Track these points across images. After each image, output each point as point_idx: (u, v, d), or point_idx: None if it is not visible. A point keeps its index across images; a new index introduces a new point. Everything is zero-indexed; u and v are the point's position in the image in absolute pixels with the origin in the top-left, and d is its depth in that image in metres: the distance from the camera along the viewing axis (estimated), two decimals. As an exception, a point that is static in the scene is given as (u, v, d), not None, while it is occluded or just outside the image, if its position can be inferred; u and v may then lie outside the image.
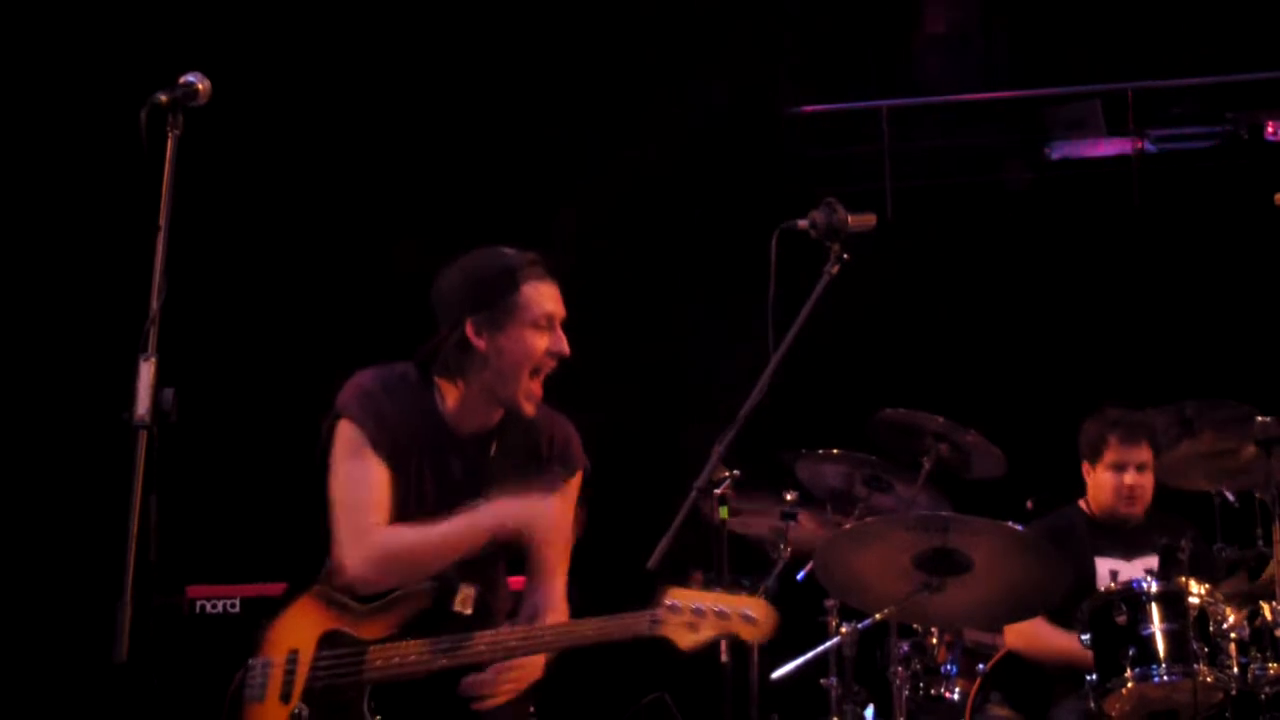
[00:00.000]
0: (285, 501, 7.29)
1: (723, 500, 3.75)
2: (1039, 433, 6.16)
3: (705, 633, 3.55)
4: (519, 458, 3.86)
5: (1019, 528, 5.04)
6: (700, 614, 3.55)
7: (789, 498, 5.45)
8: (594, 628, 3.64)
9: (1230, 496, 5.64)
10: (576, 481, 3.93)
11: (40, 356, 7.16)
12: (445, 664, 3.66)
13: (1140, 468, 5.59)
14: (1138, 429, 5.61)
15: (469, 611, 3.74)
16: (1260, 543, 5.68)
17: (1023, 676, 5.60)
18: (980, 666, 5.51)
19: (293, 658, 3.75)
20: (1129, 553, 5.54)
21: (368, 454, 3.74)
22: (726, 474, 3.75)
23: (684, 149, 8.18)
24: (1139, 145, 8.63)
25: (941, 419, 5.64)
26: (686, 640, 3.55)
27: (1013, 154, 8.67)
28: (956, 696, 5.35)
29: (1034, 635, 5.39)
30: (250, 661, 3.76)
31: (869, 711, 5.39)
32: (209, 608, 5.13)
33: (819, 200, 3.90)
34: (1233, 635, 4.80)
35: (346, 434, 3.77)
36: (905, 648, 5.40)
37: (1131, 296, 7.90)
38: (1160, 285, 7.86)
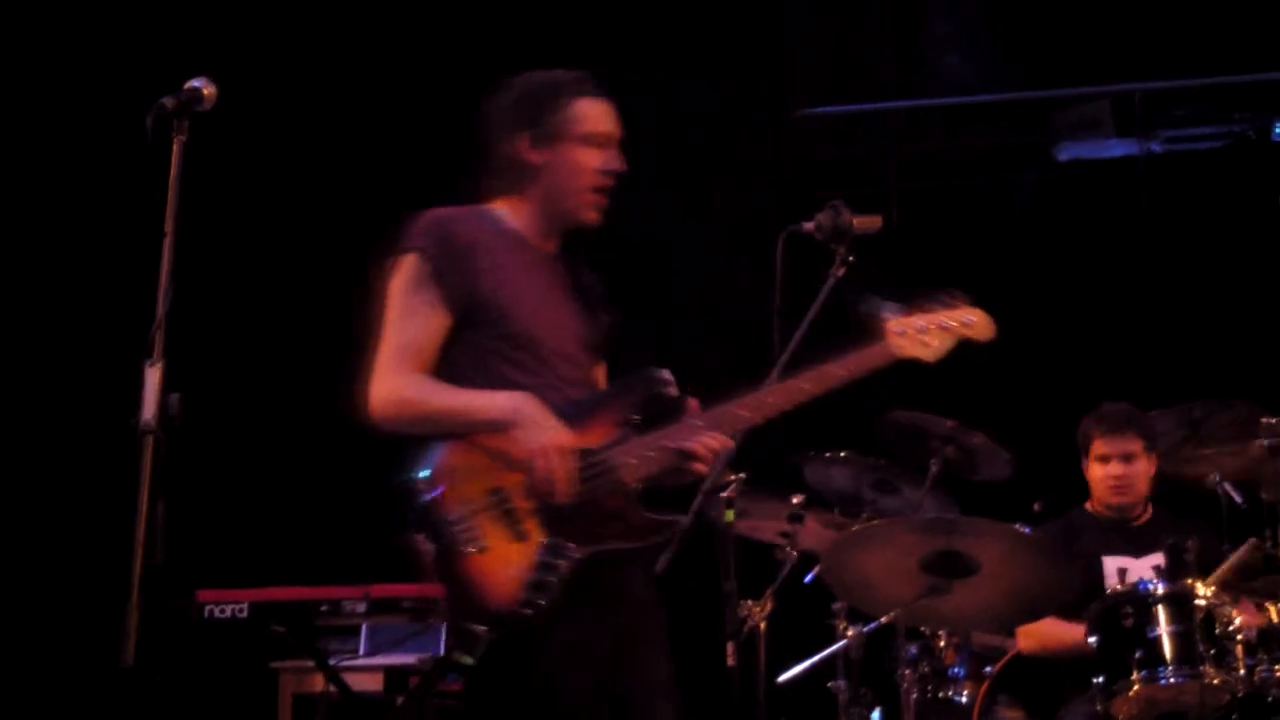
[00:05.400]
0: (295, 506, 7.33)
1: (729, 503, 3.75)
2: (1047, 435, 6.15)
3: (942, 344, 3.80)
4: (586, 291, 3.83)
5: (1025, 529, 5.05)
6: (925, 331, 3.78)
7: (796, 500, 5.44)
8: (843, 367, 3.70)
9: (1237, 497, 5.64)
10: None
11: (48, 362, 7.17)
12: (702, 436, 3.54)
13: (1127, 458, 5.63)
14: (1121, 420, 5.65)
15: (676, 391, 3.64)
16: (1270, 544, 5.67)
17: (1031, 679, 5.59)
18: (988, 669, 5.51)
19: (500, 497, 3.46)
20: (1138, 551, 5.56)
21: (428, 289, 3.60)
22: (733, 477, 3.75)
23: (687, 151, 8.17)
24: (1147, 146, 8.61)
25: (949, 421, 5.64)
26: (928, 354, 3.78)
27: (1020, 156, 8.64)
28: (965, 699, 5.36)
29: (1043, 631, 5.40)
30: (436, 520, 3.41)
31: (876, 714, 5.40)
32: (218, 613, 5.13)
33: (824, 203, 3.90)
34: (1239, 637, 4.80)
35: (407, 268, 3.64)
36: (913, 650, 5.40)
37: (1140, 298, 7.88)
38: (1168, 286, 7.84)
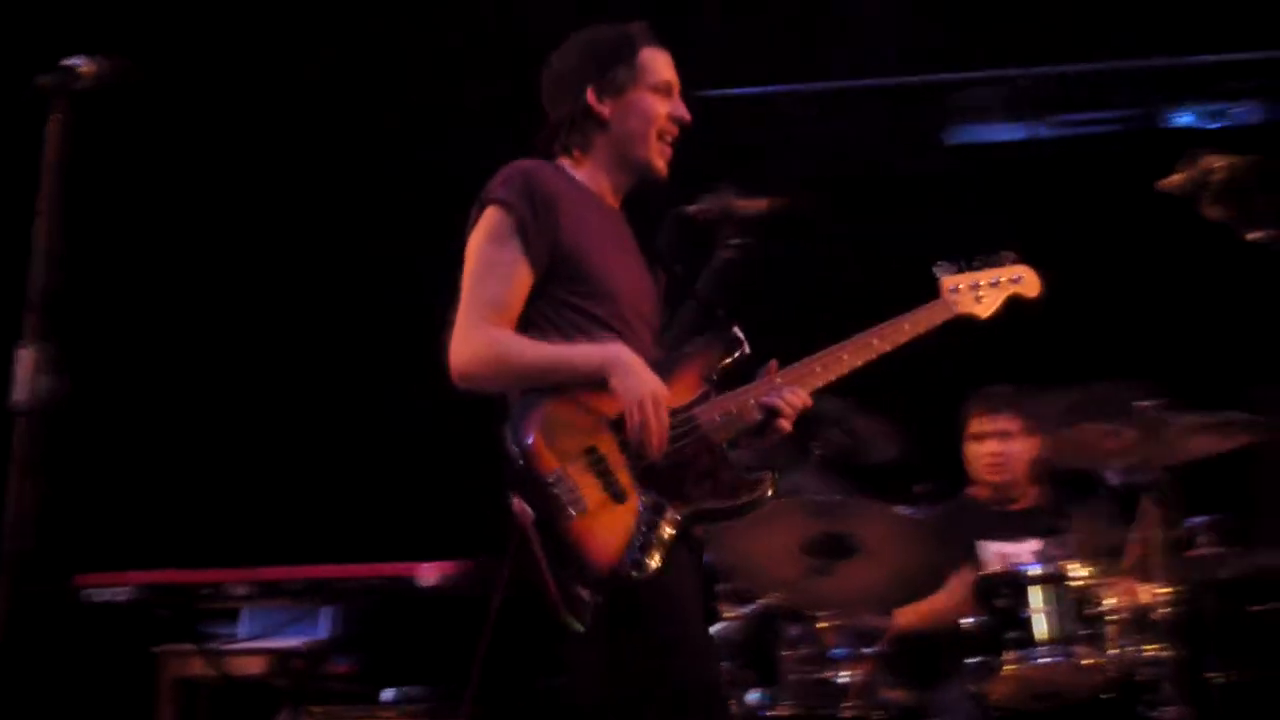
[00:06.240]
0: (179, 490, 7.27)
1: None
2: (934, 418, 6.22)
3: (995, 301, 3.94)
4: (649, 250, 3.87)
5: (906, 511, 5.10)
6: (978, 288, 3.91)
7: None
8: (908, 323, 3.84)
9: (1115, 480, 5.73)
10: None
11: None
12: (784, 392, 3.64)
13: (1003, 436, 5.74)
14: (998, 399, 5.76)
15: (748, 350, 3.67)
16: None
17: (911, 659, 5.65)
18: (869, 650, 5.56)
19: (596, 457, 3.39)
20: (1017, 535, 5.62)
21: (512, 243, 3.52)
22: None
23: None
24: (1036, 131, 8.68)
25: (835, 403, 5.67)
26: (982, 310, 3.93)
27: (911, 140, 8.69)
28: (846, 680, 5.39)
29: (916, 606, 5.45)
30: (533, 481, 3.30)
31: (755, 695, 5.42)
32: (96, 596, 5.09)
33: (716, 185, 3.95)
34: (1111, 617, 4.87)
35: (491, 219, 3.57)
36: (794, 631, 5.43)
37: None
38: (1054, 270, 7.92)
